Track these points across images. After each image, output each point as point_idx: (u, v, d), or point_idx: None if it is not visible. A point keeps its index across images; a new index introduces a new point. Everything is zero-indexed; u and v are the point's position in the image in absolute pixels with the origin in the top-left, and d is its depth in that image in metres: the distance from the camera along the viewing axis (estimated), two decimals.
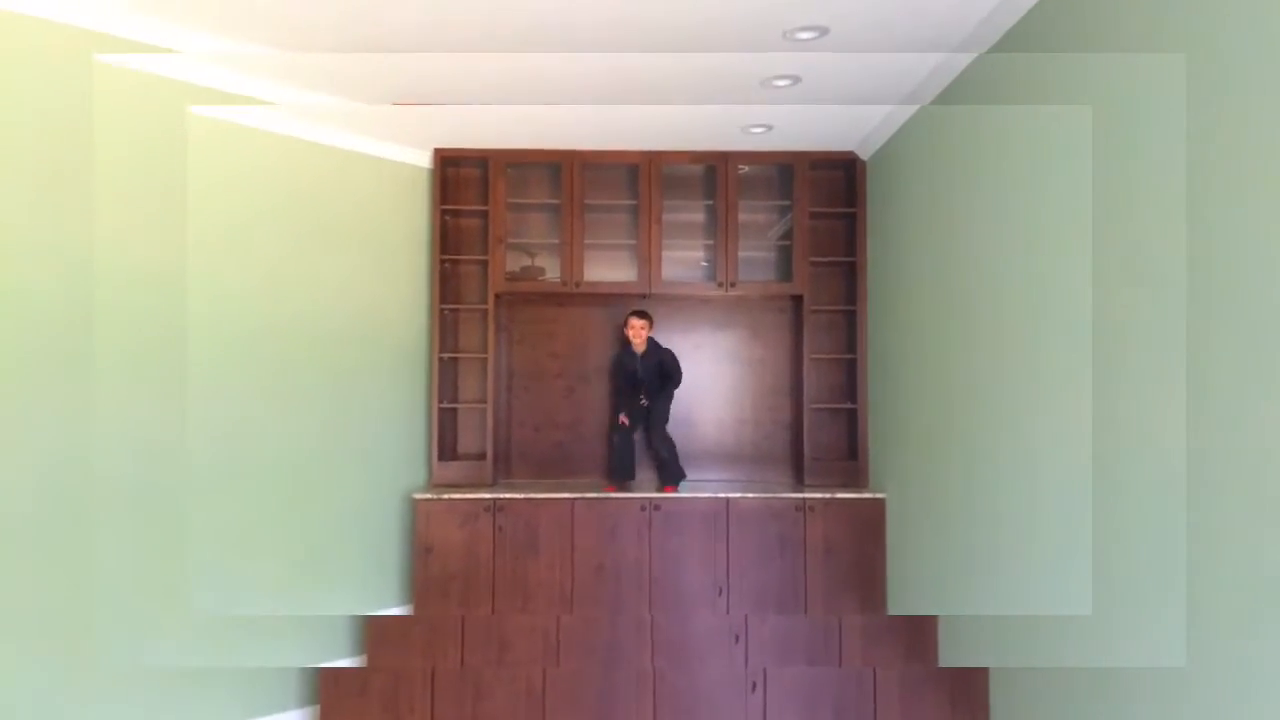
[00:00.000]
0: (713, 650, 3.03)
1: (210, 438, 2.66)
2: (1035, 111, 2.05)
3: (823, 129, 3.24)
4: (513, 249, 3.66)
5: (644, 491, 3.37)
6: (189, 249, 2.61)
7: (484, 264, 3.62)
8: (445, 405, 3.57)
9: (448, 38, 2.44)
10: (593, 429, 3.76)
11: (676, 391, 3.57)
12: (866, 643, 2.96)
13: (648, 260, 3.58)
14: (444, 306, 3.58)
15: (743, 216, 3.65)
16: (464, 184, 3.70)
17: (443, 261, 3.58)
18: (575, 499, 3.30)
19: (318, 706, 2.76)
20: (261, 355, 2.86)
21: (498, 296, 3.60)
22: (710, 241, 3.67)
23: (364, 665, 3.06)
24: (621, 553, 3.29)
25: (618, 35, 2.39)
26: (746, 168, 3.66)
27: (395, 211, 3.47)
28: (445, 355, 3.59)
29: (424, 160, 3.57)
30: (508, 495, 3.30)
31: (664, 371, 3.47)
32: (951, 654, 2.66)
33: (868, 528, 3.32)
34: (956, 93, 2.56)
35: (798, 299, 3.66)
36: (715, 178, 3.61)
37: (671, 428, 3.72)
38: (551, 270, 3.66)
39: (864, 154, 3.54)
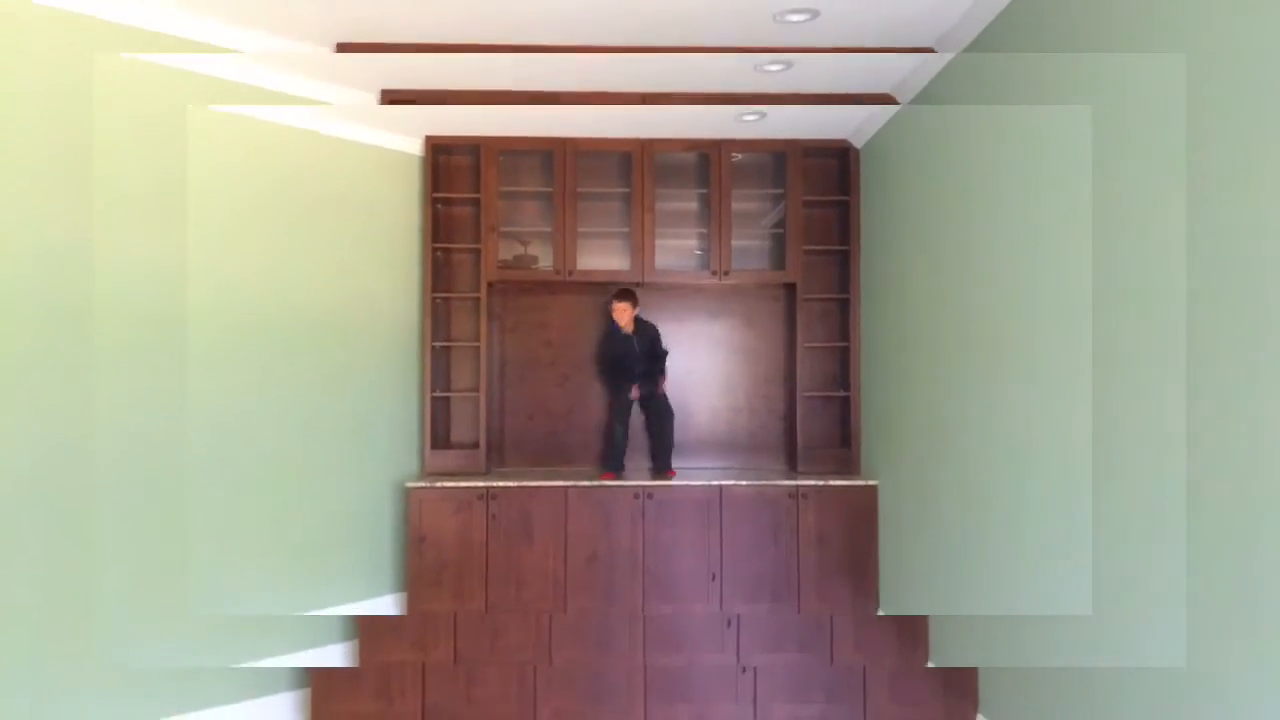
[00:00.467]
0: (706, 638, 3.04)
1: (202, 428, 2.65)
2: (1032, 99, 2.04)
3: (816, 117, 3.22)
4: (505, 237, 3.64)
5: (634, 480, 3.38)
6: (188, 239, 2.60)
7: (476, 252, 3.60)
8: (438, 394, 3.57)
9: (434, 29, 2.41)
10: (586, 417, 3.76)
11: (669, 375, 3.58)
12: (858, 635, 2.97)
13: (641, 249, 3.57)
14: (436, 295, 3.57)
15: (736, 205, 3.64)
16: (455, 172, 3.68)
17: (434, 250, 3.57)
18: (568, 487, 3.31)
19: (309, 690, 2.77)
20: (252, 345, 2.85)
21: (490, 285, 3.59)
22: (704, 230, 3.65)
23: (356, 656, 3.07)
24: (615, 541, 3.29)
25: (611, 23, 2.37)
26: (740, 155, 3.64)
27: (386, 200, 3.45)
28: (438, 344, 3.58)
29: (415, 148, 3.54)
30: (501, 484, 3.30)
31: (654, 352, 3.50)
32: (943, 646, 2.68)
33: (860, 515, 3.33)
34: (949, 80, 2.55)
35: (791, 287, 3.65)
36: (708, 166, 3.59)
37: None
38: (544, 259, 3.65)
39: (857, 142, 3.53)
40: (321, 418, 3.10)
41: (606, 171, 3.71)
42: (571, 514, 3.30)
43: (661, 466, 3.53)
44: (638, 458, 3.70)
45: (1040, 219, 1.99)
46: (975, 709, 2.36)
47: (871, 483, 3.32)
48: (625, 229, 3.63)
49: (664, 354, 3.56)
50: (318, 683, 2.65)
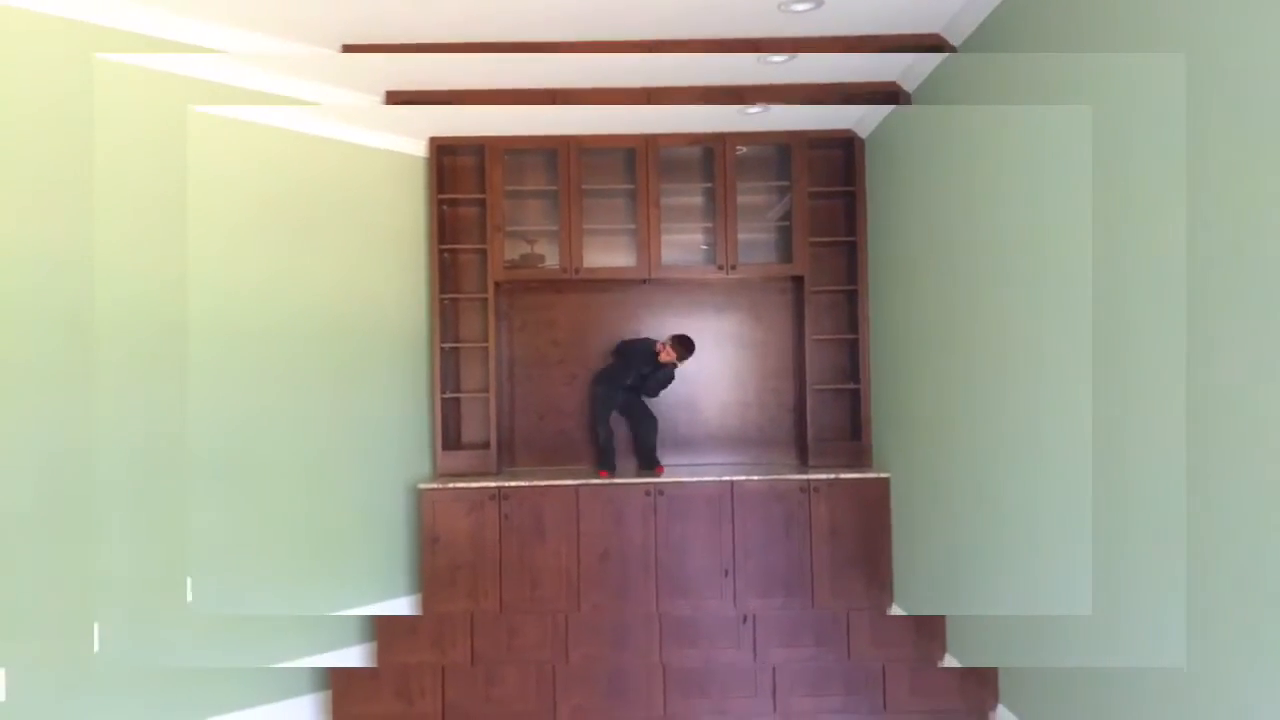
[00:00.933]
0: (721, 633, 3.04)
1: (213, 433, 2.67)
2: (1037, 88, 2.02)
3: (820, 108, 3.20)
4: (511, 237, 3.64)
5: (626, 477, 3.37)
6: (189, 245, 2.61)
7: (483, 252, 3.60)
8: (448, 395, 3.57)
9: (437, 28, 2.41)
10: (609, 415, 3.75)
11: (678, 374, 3.58)
12: (875, 628, 2.95)
13: (647, 245, 3.56)
14: (444, 296, 3.57)
15: (741, 198, 3.62)
16: (460, 172, 3.68)
17: (441, 251, 3.57)
18: (580, 485, 3.31)
19: (330, 692, 2.78)
20: (262, 351, 2.86)
21: (497, 285, 3.59)
22: (709, 224, 3.64)
23: (374, 658, 3.08)
24: (627, 538, 3.29)
25: (614, 18, 2.36)
26: (744, 149, 3.63)
27: (392, 202, 3.45)
28: (446, 345, 3.58)
29: (419, 149, 3.54)
30: (512, 483, 3.30)
31: (659, 384, 3.53)
32: (961, 641, 2.66)
33: (873, 507, 3.31)
34: (954, 69, 2.52)
35: (798, 280, 3.64)
36: (713, 159, 3.58)
37: (674, 411, 3.72)
38: (550, 257, 3.64)
39: (862, 132, 3.50)
40: (332, 421, 3.11)
41: (611, 168, 3.70)
42: (583, 512, 3.30)
43: (648, 465, 3.52)
44: (625, 457, 3.69)
45: (1049, 207, 1.97)
46: (996, 699, 2.35)
47: (883, 475, 3.31)
48: (631, 225, 3.62)
49: (656, 390, 3.56)
50: (338, 684, 2.66)
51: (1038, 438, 2.05)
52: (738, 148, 3.57)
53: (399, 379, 3.43)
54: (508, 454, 3.73)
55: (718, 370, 3.78)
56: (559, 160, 3.55)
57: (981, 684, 2.41)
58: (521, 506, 3.29)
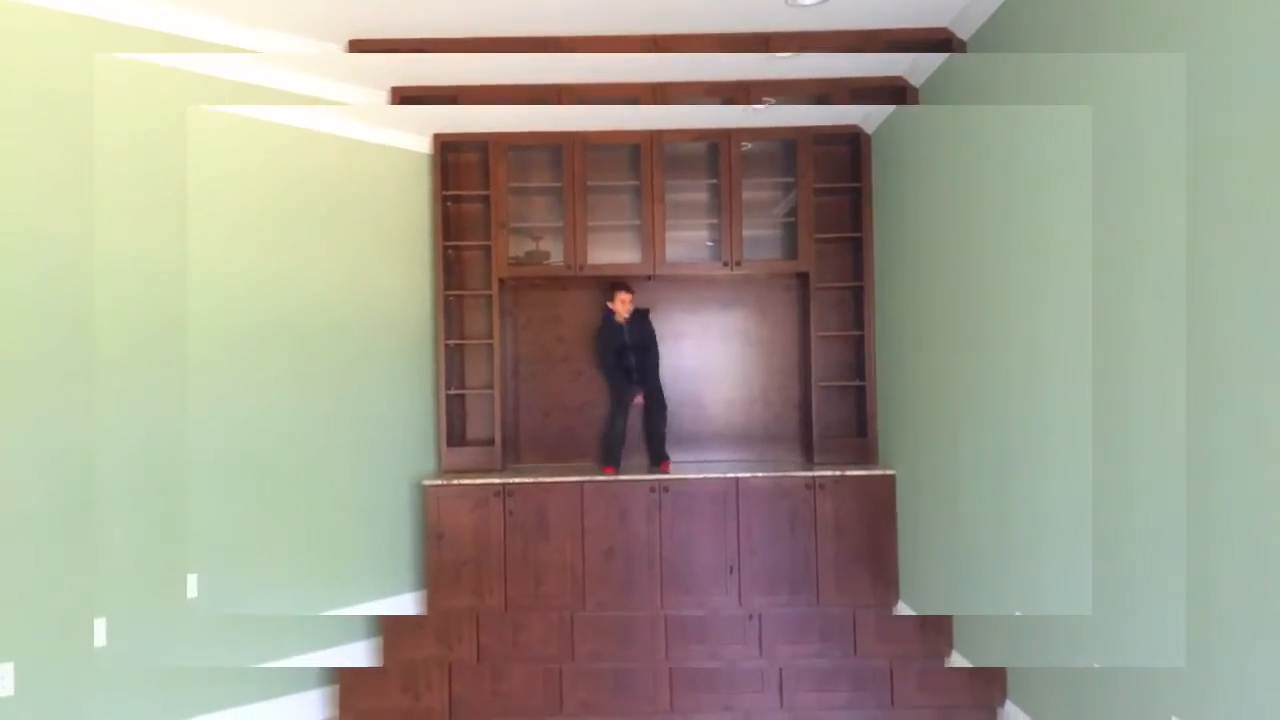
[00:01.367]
0: (727, 630, 3.04)
1: (220, 430, 2.67)
2: (1045, 83, 2.00)
3: (825, 104, 3.18)
4: (515, 233, 3.63)
5: (634, 474, 3.37)
6: (188, 240, 2.61)
7: (487, 249, 3.60)
8: (453, 392, 3.57)
9: (446, 23, 2.40)
10: (599, 412, 3.75)
11: (681, 368, 3.59)
12: (880, 625, 2.94)
13: (652, 241, 3.55)
14: (448, 293, 3.57)
15: (746, 194, 3.61)
16: (465, 169, 3.67)
17: (446, 248, 3.57)
18: (584, 482, 3.31)
19: (337, 686, 2.79)
20: (267, 348, 2.86)
21: (502, 281, 3.59)
22: (714, 220, 3.63)
23: (381, 654, 3.08)
24: (631, 534, 3.29)
25: (620, 13, 2.35)
26: (749, 144, 3.61)
27: (397, 199, 3.45)
28: (451, 342, 3.58)
29: (424, 146, 3.54)
30: (517, 480, 3.30)
31: (646, 341, 3.52)
32: (968, 639, 2.66)
33: (878, 504, 3.30)
34: (961, 65, 2.51)
35: (804, 276, 3.63)
36: (718, 156, 3.57)
37: (679, 407, 3.71)
38: (555, 254, 3.64)
39: (868, 127, 3.49)
40: (337, 418, 3.11)
41: (616, 164, 3.69)
42: (588, 509, 3.30)
43: (656, 459, 3.52)
44: (632, 454, 3.69)
45: (1054, 204, 1.96)
46: (1004, 695, 2.34)
47: (889, 472, 3.30)
48: (636, 222, 3.61)
49: (654, 351, 3.54)
50: (345, 679, 2.66)
51: (1044, 435, 2.04)
52: (743, 143, 3.56)
53: (404, 376, 3.43)
54: (512, 450, 3.72)
55: (723, 367, 3.77)
56: (564, 156, 3.54)
57: (990, 680, 2.40)
58: (526, 503, 3.29)
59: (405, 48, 2.57)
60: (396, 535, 3.35)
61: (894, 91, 3.01)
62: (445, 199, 3.58)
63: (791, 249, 3.62)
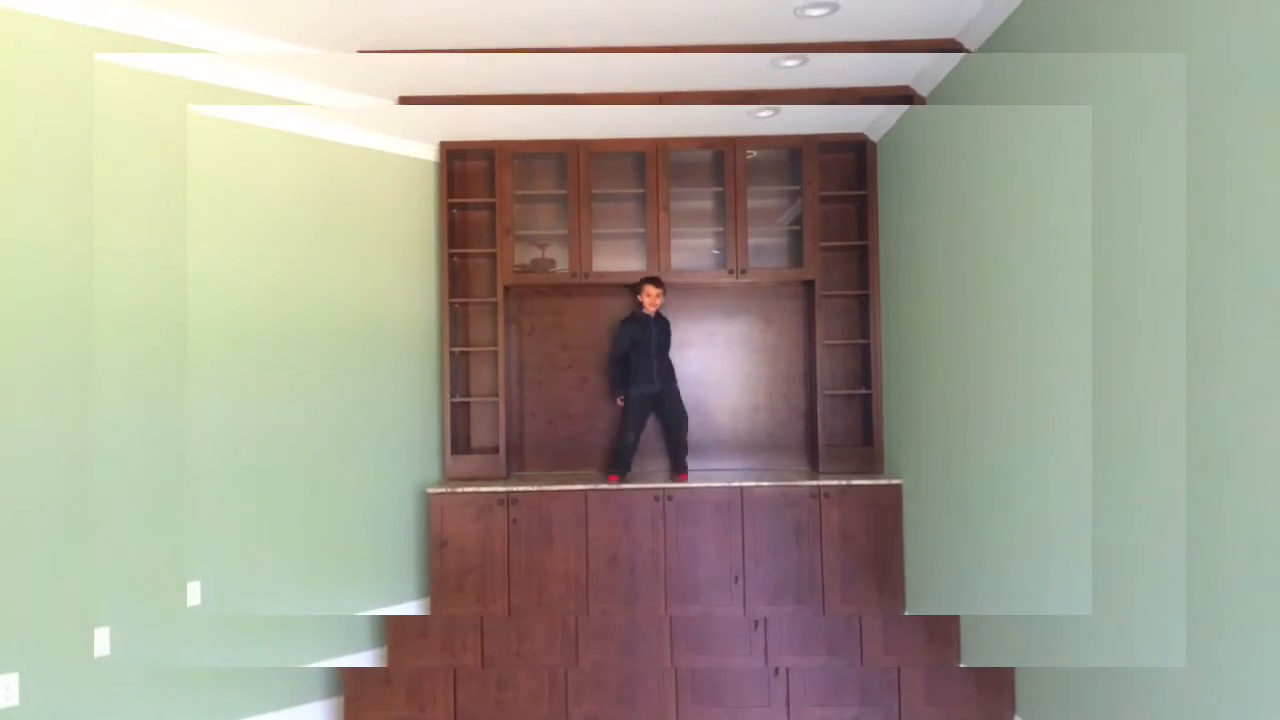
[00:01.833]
0: (733, 640, 3.02)
1: (224, 437, 2.67)
2: (1051, 92, 2.00)
3: (832, 110, 3.19)
4: (521, 241, 3.64)
5: (644, 482, 3.36)
6: (187, 246, 2.61)
7: (492, 256, 3.60)
8: (457, 399, 3.57)
9: (451, 32, 2.41)
10: (605, 420, 3.74)
11: (686, 376, 3.59)
12: (888, 636, 2.93)
13: (657, 249, 3.55)
14: (453, 300, 3.57)
15: (752, 202, 3.61)
16: (470, 177, 3.68)
17: (451, 255, 3.57)
18: (589, 490, 3.30)
19: (342, 697, 2.77)
20: (272, 354, 2.86)
21: (507, 289, 3.59)
22: (720, 228, 3.63)
23: (385, 660, 3.07)
24: (636, 543, 3.28)
25: (627, 23, 2.35)
26: (755, 152, 3.61)
27: (402, 206, 3.46)
28: (456, 349, 3.58)
29: (429, 154, 3.55)
30: (521, 488, 3.29)
31: (666, 343, 3.52)
32: (975, 646, 2.64)
33: (884, 514, 3.29)
34: (968, 73, 2.51)
35: (809, 284, 3.62)
36: (723, 163, 3.57)
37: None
38: (560, 261, 3.64)
39: (874, 135, 3.49)
40: (342, 425, 3.10)
41: (621, 172, 3.69)
42: (592, 517, 3.28)
43: (677, 468, 3.50)
44: (648, 460, 3.68)
45: (1061, 211, 1.95)
46: (1013, 710, 2.32)
47: (895, 481, 3.28)
48: (641, 229, 3.61)
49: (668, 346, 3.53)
50: (350, 690, 2.65)
51: (1051, 444, 2.03)
52: (748, 151, 3.56)
53: (408, 383, 3.43)
54: (517, 458, 3.72)
55: (728, 375, 3.77)
56: (569, 164, 3.54)
57: (999, 692, 2.39)
58: (530, 511, 3.28)
59: (413, 53, 2.57)
60: (400, 543, 3.34)
61: (901, 100, 3.01)
62: (451, 206, 3.58)
63: (797, 257, 3.62)
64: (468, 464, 3.51)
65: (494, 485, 3.32)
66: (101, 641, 2.30)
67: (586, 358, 3.76)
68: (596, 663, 2.93)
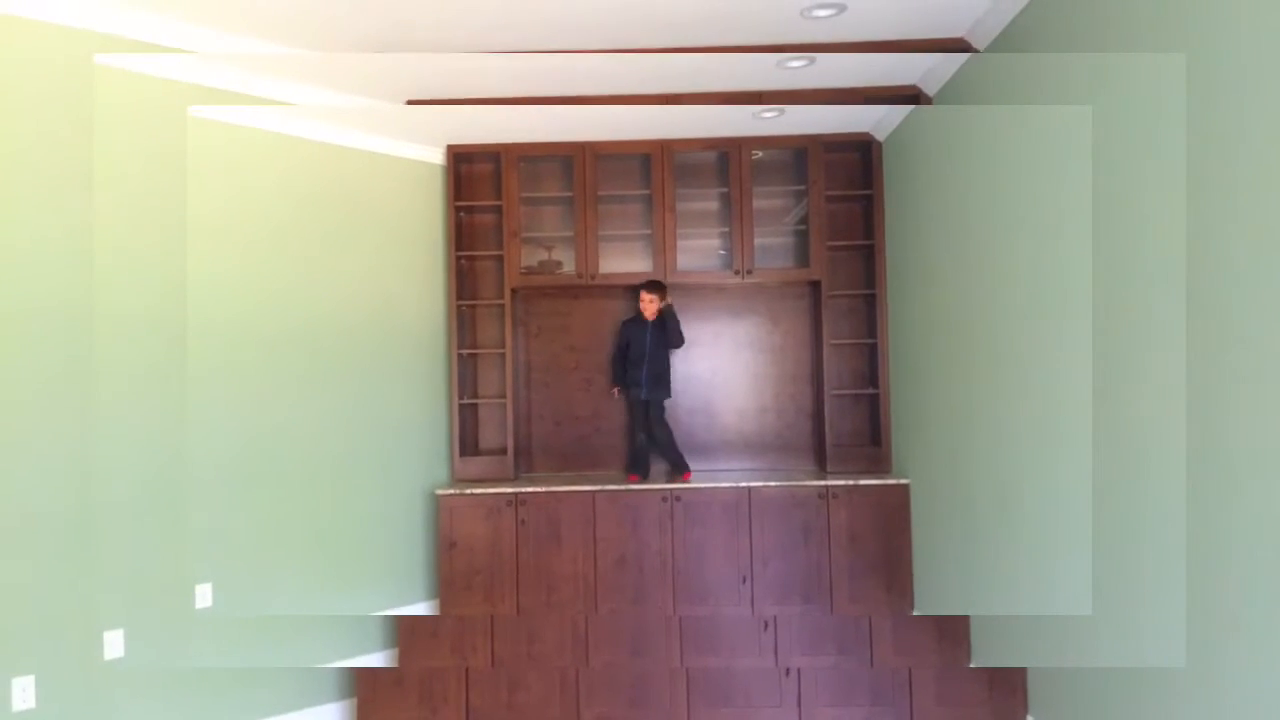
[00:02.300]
0: (742, 641, 3.02)
1: (233, 439, 2.68)
2: (1058, 91, 2.00)
3: (837, 110, 3.19)
4: (528, 243, 3.65)
5: (659, 483, 3.36)
6: (193, 251, 2.62)
7: (499, 259, 3.61)
8: (465, 401, 3.58)
9: (458, 35, 2.42)
10: (612, 421, 3.75)
11: (693, 376, 3.57)
12: (897, 636, 2.93)
13: (663, 250, 3.55)
14: (461, 302, 3.58)
15: (758, 202, 3.61)
16: (477, 179, 3.69)
17: (458, 257, 3.58)
18: (596, 491, 3.30)
19: (355, 699, 2.79)
20: (282, 357, 2.87)
21: (514, 291, 3.60)
22: (726, 229, 3.63)
23: (396, 661, 3.09)
24: (643, 544, 3.28)
25: (635, 25, 2.36)
26: (760, 153, 3.62)
27: (409, 209, 3.47)
28: (464, 351, 3.59)
29: (436, 157, 3.56)
30: (529, 489, 3.30)
31: (660, 349, 3.43)
32: (985, 645, 2.64)
33: (892, 514, 3.29)
34: (974, 73, 2.50)
35: (816, 284, 3.62)
36: (728, 164, 3.57)
37: (691, 416, 3.70)
38: (567, 263, 3.65)
39: (879, 135, 3.48)
40: (351, 427, 3.12)
41: (626, 174, 3.70)
42: (600, 518, 3.29)
43: (676, 472, 3.49)
44: (655, 461, 3.68)
45: (1068, 210, 1.95)
46: (1025, 710, 2.32)
47: (903, 481, 3.28)
48: (647, 231, 3.62)
49: (679, 341, 3.44)
50: (363, 691, 2.67)
51: (1059, 443, 2.03)
52: (753, 152, 3.57)
53: (417, 385, 3.44)
54: (525, 460, 3.73)
55: (735, 375, 3.77)
56: (575, 166, 3.55)
57: (1011, 692, 2.38)
58: (538, 512, 3.29)
59: (424, 53, 2.58)
60: (409, 544, 3.36)
61: (908, 100, 3.01)
62: (458, 209, 3.59)
63: (803, 257, 3.62)
64: (476, 465, 3.52)
65: (502, 486, 3.33)
66: (114, 644, 2.31)
67: (593, 359, 3.77)
68: (607, 663, 2.94)
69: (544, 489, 3.30)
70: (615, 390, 3.57)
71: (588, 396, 3.76)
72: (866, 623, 2.97)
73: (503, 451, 3.57)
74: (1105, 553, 1.87)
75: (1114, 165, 1.79)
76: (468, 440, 3.60)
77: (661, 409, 3.50)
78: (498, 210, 3.61)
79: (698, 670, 2.67)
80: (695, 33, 2.45)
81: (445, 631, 3.01)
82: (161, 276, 2.51)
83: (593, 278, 3.55)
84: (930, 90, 2.89)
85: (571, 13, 2.30)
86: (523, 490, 3.30)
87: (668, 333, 3.45)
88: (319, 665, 2.89)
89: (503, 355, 3.61)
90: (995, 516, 2.45)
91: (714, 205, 3.74)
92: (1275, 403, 1.32)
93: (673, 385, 3.56)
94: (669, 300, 3.47)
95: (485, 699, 2.65)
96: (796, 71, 2.76)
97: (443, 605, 3.26)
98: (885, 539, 3.29)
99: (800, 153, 3.59)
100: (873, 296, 3.57)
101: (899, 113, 3.19)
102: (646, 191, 3.60)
